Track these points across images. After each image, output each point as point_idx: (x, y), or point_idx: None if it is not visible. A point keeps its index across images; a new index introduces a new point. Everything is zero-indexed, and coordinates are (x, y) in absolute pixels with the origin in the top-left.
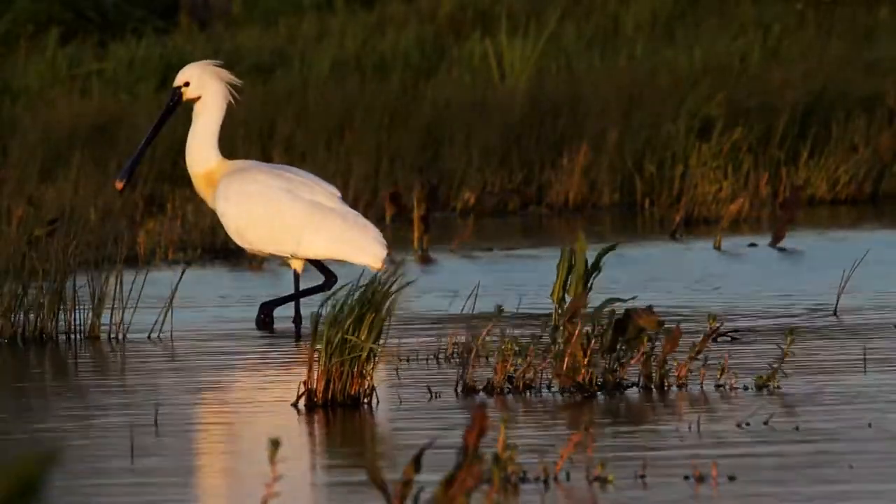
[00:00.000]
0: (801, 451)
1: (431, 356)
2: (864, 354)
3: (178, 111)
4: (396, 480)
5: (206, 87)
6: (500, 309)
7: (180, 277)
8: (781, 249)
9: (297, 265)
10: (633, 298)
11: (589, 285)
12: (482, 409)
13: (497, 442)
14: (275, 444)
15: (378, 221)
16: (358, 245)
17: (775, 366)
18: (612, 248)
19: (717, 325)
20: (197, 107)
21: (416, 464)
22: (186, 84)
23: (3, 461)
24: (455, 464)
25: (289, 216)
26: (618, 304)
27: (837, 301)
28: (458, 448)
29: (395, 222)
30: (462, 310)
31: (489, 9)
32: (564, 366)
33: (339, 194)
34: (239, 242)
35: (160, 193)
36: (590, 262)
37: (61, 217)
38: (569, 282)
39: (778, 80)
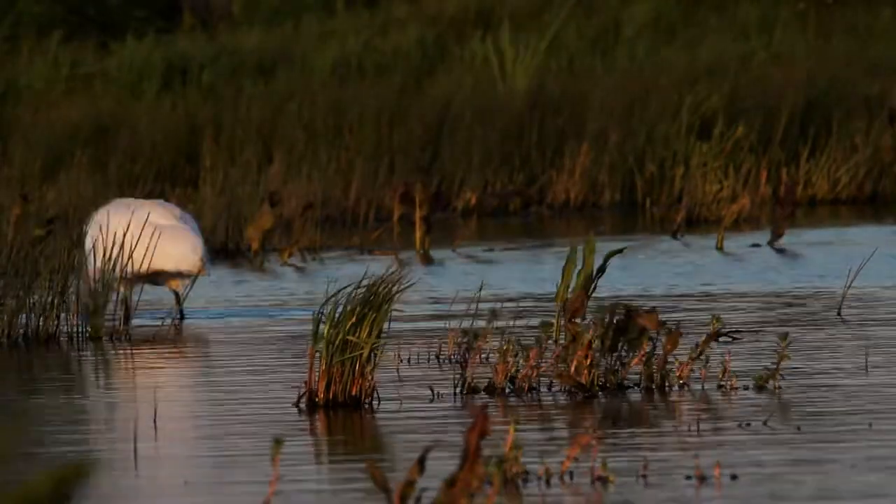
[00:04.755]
0: (801, 451)
1: (432, 356)
2: (867, 354)
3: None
4: (398, 481)
5: None
6: (494, 312)
7: (193, 282)
8: (781, 250)
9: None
10: (635, 298)
11: (593, 287)
12: (484, 410)
13: (505, 443)
14: (278, 442)
15: (382, 222)
16: (168, 253)
17: (773, 367)
18: (619, 251)
19: (720, 326)
20: None
21: (421, 465)
22: None
23: (22, 470)
24: (458, 465)
25: (110, 238)
26: (620, 304)
27: (842, 301)
28: (460, 449)
29: (399, 222)
30: (465, 310)
31: (491, 9)
32: (567, 366)
33: (178, 212)
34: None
35: (160, 194)
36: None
37: (60, 216)
38: (573, 283)
39: (779, 80)
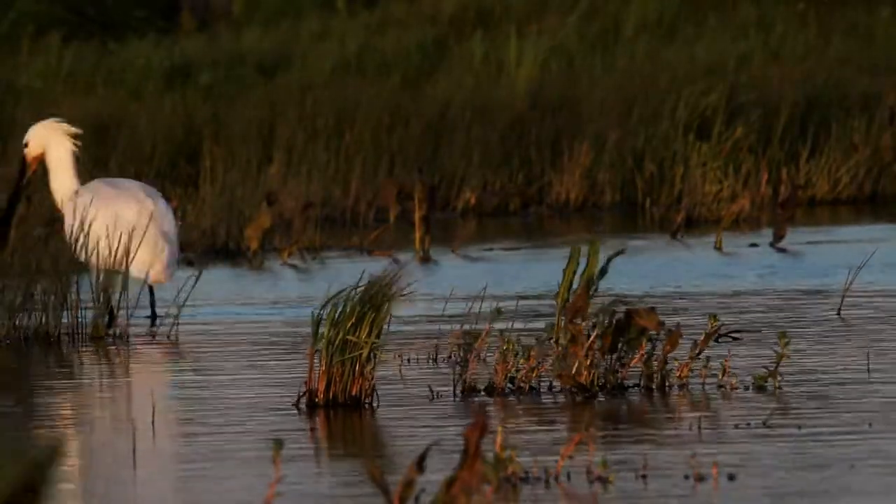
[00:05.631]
0: (801, 451)
1: (432, 356)
2: (868, 354)
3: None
4: (397, 480)
5: (44, 142)
6: (498, 311)
7: (196, 281)
8: (782, 250)
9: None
10: (635, 298)
11: (594, 288)
12: (482, 409)
13: (495, 443)
14: (279, 444)
15: (382, 222)
16: (138, 259)
17: (772, 367)
18: (620, 252)
19: (718, 324)
20: (47, 162)
21: (420, 464)
22: (26, 145)
23: (5, 460)
24: (457, 464)
25: (91, 229)
26: (619, 304)
27: (842, 301)
28: (459, 449)
29: (398, 222)
30: (464, 310)
31: (491, 9)
32: (566, 367)
33: (152, 208)
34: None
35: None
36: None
37: (60, 217)
38: (573, 284)
39: (778, 79)
